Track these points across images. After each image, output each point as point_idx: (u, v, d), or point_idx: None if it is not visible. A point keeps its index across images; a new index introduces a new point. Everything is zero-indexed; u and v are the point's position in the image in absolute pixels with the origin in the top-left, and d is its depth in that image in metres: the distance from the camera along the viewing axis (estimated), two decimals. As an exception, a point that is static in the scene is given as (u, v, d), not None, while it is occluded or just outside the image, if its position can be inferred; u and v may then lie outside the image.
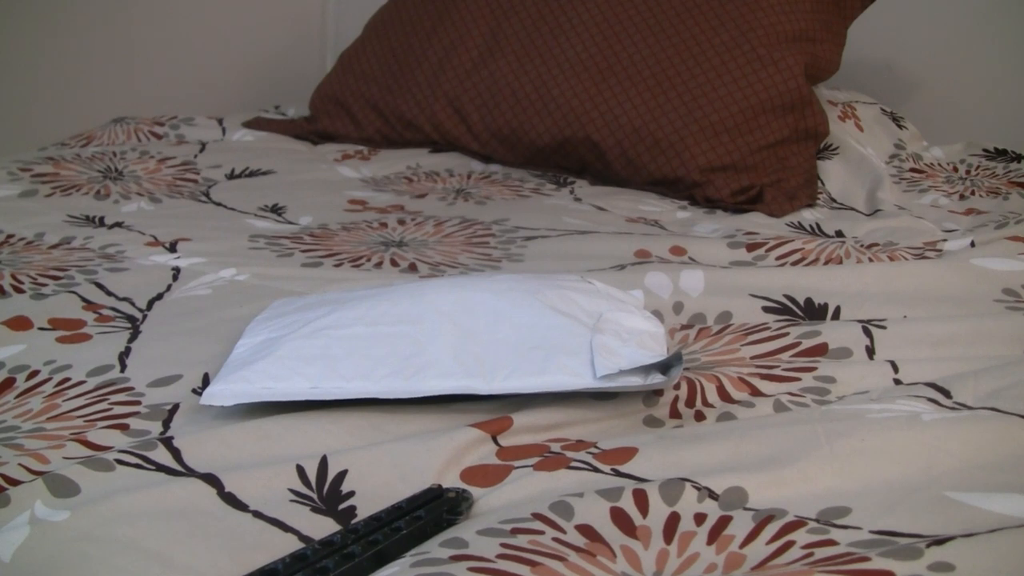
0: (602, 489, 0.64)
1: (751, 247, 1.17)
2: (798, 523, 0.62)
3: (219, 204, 1.38)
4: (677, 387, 0.82)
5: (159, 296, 1.02)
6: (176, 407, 0.80)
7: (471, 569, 0.56)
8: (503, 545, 0.59)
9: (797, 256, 1.15)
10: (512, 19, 1.68)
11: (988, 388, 0.80)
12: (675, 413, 0.80)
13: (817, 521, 0.62)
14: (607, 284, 0.98)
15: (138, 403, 0.80)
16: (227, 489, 0.66)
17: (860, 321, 0.94)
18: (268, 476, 0.68)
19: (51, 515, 0.62)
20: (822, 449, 0.69)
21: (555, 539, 0.60)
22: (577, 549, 0.59)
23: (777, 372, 0.85)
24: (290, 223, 1.31)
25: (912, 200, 1.50)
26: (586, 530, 0.61)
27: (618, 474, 0.68)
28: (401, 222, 1.29)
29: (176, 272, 1.09)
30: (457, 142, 1.68)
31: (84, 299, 1.00)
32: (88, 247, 1.16)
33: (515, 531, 0.61)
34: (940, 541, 0.56)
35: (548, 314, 0.85)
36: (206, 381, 0.84)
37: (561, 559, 0.58)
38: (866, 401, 0.78)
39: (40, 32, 1.96)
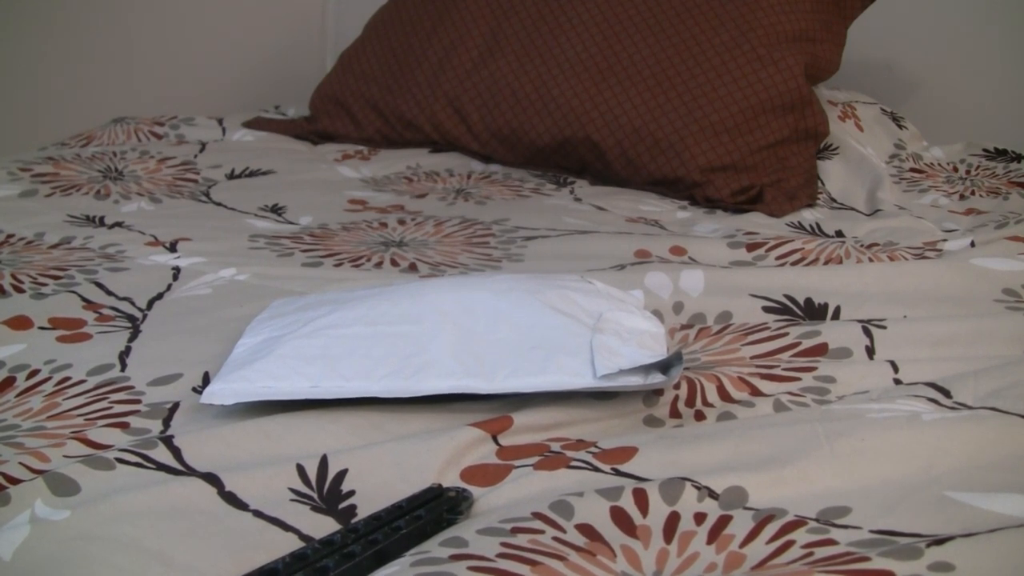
0: (602, 488, 0.64)
1: (751, 247, 1.18)
2: (798, 523, 0.62)
3: (219, 204, 1.38)
4: (677, 387, 0.82)
5: (159, 296, 1.02)
6: (176, 406, 0.80)
7: (471, 568, 0.56)
8: (503, 544, 0.59)
9: (797, 256, 1.15)
10: (512, 19, 1.68)
11: (988, 388, 0.80)
12: (675, 413, 0.80)
13: (817, 521, 0.62)
14: (607, 284, 0.99)
15: (138, 402, 0.80)
16: (227, 488, 0.66)
17: (860, 321, 0.94)
18: (268, 475, 0.68)
19: (51, 514, 0.62)
20: (822, 449, 0.69)
21: (555, 538, 0.60)
22: (577, 548, 0.59)
23: (777, 372, 0.85)
24: (290, 223, 1.31)
25: (912, 200, 1.50)
26: (586, 529, 0.61)
27: (618, 473, 0.68)
28: (401, 222, 1.29)
29: (176, 272, 1.09)
30: (457, 142, 1.68)
31: (84, 299, 1.00)
32: (88, 247, 1.16)
33: (515, 530, 0.61)
34: (940, 541, 0.56)
35: (548, 314, 0.85)
36: (206, 380, 0.84)
37: (561, 558, 0.58)
38: (866, 401, 0.78)
39: (40, 32, 1.96)
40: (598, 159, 1.57)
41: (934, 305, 1.01)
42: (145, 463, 0.69)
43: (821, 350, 0.89)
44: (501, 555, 0.58)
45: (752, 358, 0.88)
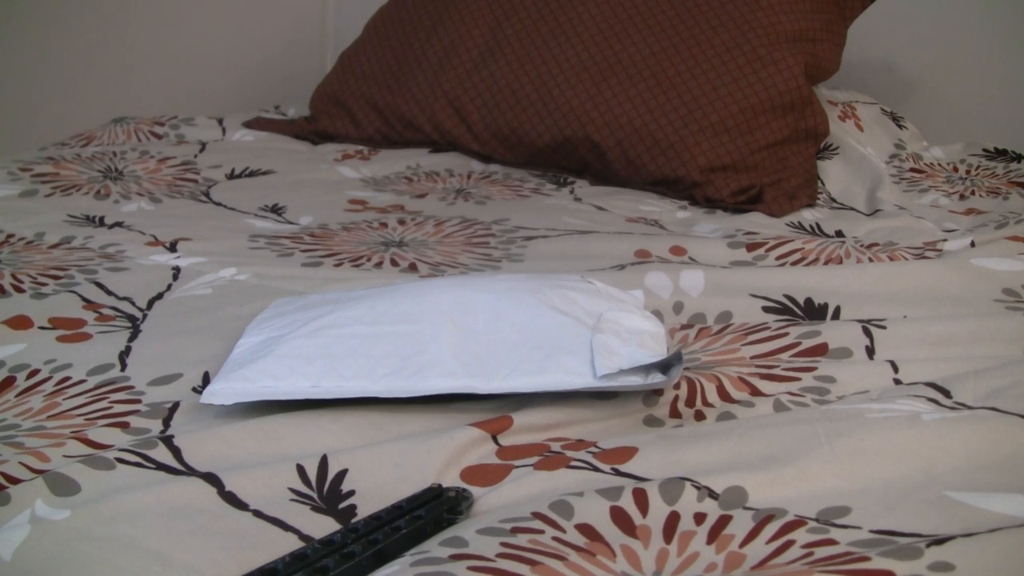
0: (602, 488, 0.64)
1: (751, 247, 1.18)
2: (798, 522, 0.62)
3: (219, 204, 1.38)
4: (677, 387, 0.82)
5: (159, 295, 1.02)
6: (176, 406, 0.80)
7: (471, 568, 0.56)
8: (503, 544, 0.59)
9: (797, 256, 1.15)
10: (512, 19, 1.68)
11: (988, 388, 0.80)
12: (675, 412, 0.80)
13: (817, 521, 0.62)
14: (607, 284, 0.99)
15: (138, 401, 0.80)
16: (227, 488, 0.66)
17: (860, 321, 0.94)
18: (268, 475, 0.68)
19: (51, 514, 0.62)
20: (822, 449, 0.69)
21: (555, 538, 0.60)
22: (577, 548, 0.59)
23: (777, 372, 0.85)
24: (290, 223, 1.31)
25: (912, 200, 1.50)
26: (586, 529, 0.61)
27: (618, 473, 0.68)
28: (401, 222, 1.29)
29: (176, 272, 1.09)
30: (457, 142, 1.68)
31: (84, 298, 1.00)
32: (88, 247, 1.16)
33: (515, 530, 0.61)
34: (940, 541, 0.56)
35: (548, 314, 0.85)
36: (206, 380, 0.84)
37: (561, 558, 0.58)
38: (866, 401, 0.78)
39: (40, 32, 1.96)
40: (598, 159, 1.57)
41: (934, 305, 1.01)
42: (145, 463, 0.69)
43: (821, 350, 0.89)
44: (501, 555, 0.58)
45: (752, 358, 0.88)
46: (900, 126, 1.75)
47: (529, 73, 1.62)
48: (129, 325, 0.95)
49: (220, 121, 1.81)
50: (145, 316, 0.97)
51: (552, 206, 1.43)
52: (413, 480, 0.68)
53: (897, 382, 0.84)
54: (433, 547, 0.59)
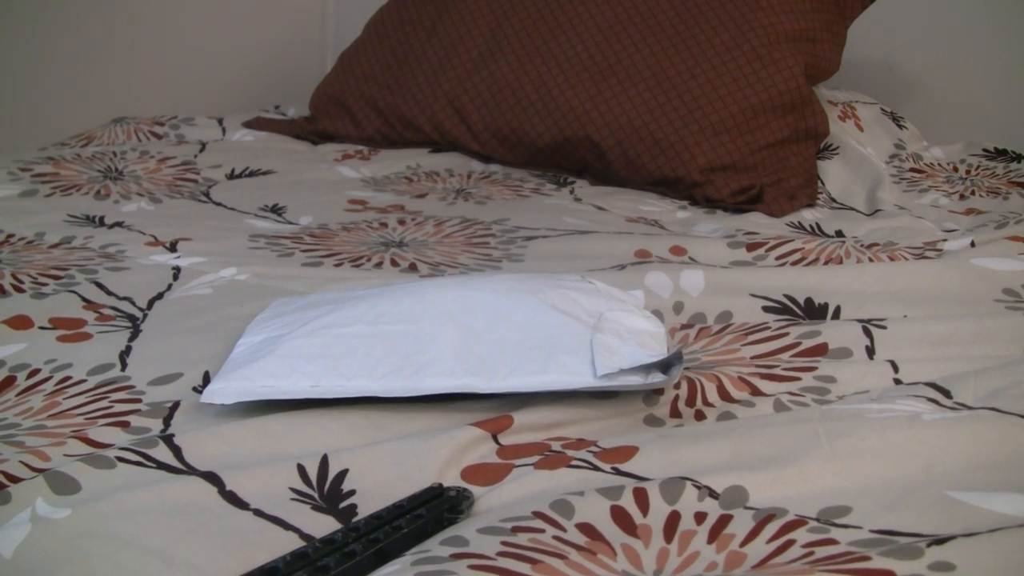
0: (603, 487, 0.64)
1: (751, 247, 1.18)
2: (798, 522, 0.62)
3: (219, 204, 1.38)
4: (677, 386, 0.82)
5: (159, 295, 1.02)
6: (177, 405, 0.80)
7: (472, 567, 0.56)
8: (504, 543, 0.59)
9: (797, 256, 1.15)
10: (512, 19, 1.68)
11: (988, 388, 0.80)
12: (675, 412, 0.80)
13: (817, 520, 0.62)
14: (607, 284, 0.99)
15: (139, 401, 0.80)
16: (228, 487, 0.66)
17: (860, 321, 0.94)
18: (269, 474, 0.68)
19: (52, 512, 0.62)
20: (822, 448, 0.69)
21: (556, 537, 0.60)
22: (578, 547, 0.59)
23: (777, 372, 0.85)
24: (290, 223, 1.31)
25: (912, 200, 1.50)
26: (587, 528, 0.61)
27: (619, 473, 0.69)
28: (401, 222, 1.29)
29: (176, 271, 1.09)
30: (457, 142, 1.68)
31: (84, 298, 1.00)
32: (88, 247, 1.16)
33: (516, 529, 0.61)
34: (940, 540, 0.56)
35: (549, 313, 0.85)
36: (207, 380, 0.84)
37: (562, 557, 0.58)
38: (866, 401, 0.79)
39: (40, 32, 1.96)
40: (598, 159, 1.57)
41: (934, 305, 1.01)
42: (146, 462, 0.69)
43: (821, 350, 0.89)
44: (502, 554, 0.58)
45: (752, 358, 0.88)
46: (900, 126, 1.75)
47: (529, 73, 1.62)
48: (129, 325, 0.95)
49: (220, 121, 1.81)
50: (145, 316, 0.97)
51: (552, 206, 1.43)
52: (414, 479, 0.68)
53: (897, 382, 0.84)
54: (434, 546, 0.59)
